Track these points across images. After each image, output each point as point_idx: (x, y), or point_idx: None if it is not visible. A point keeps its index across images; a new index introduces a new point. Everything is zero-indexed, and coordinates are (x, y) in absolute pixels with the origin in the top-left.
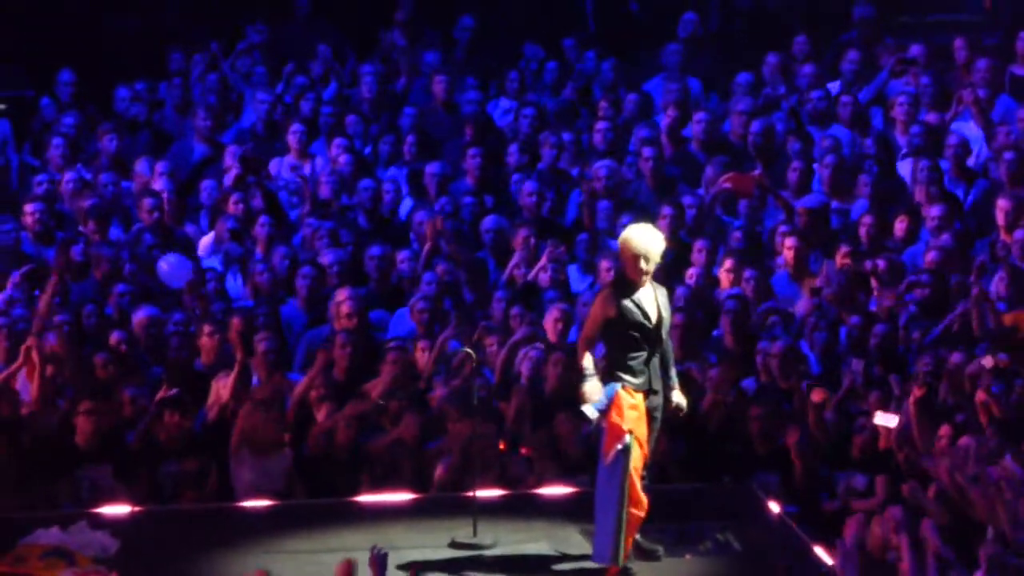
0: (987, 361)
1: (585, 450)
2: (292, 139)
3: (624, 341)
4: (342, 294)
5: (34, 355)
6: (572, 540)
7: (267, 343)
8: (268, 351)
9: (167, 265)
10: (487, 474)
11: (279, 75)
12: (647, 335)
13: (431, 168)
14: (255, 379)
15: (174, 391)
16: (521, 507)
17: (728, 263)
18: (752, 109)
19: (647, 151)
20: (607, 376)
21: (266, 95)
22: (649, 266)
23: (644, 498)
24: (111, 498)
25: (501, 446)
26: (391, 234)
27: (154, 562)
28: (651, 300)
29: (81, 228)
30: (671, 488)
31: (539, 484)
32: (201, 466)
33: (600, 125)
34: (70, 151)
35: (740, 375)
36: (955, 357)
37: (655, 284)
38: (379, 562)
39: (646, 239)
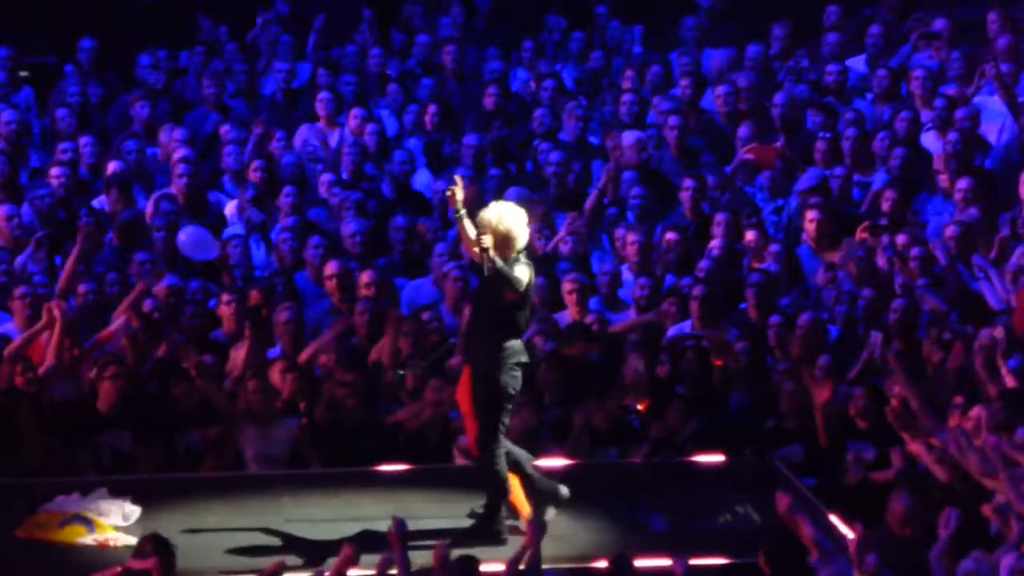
0: (999, 332)
1: (614, 426)
2: (319, 108)
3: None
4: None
5: (57, 321)
6: (588, 512)
7: (288, 312)
8: (289, 320)
9: (185, 236)
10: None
11: (304, 45)
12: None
13: (468, 139)
14: (278, 349)
15: (206, 357)
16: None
17: (751, 235)
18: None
19: (672, 120)
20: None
21: (285, 64)
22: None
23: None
24: (131, 464)
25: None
26: (412, 204)
27: (174, 529)
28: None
29: (104, 195)
30: (692, 462)
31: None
32: (221, 434)
33: (626, 97)
34: (86, 119)
35: (764, 349)
36: (967, 329)
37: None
38: (399, 531)
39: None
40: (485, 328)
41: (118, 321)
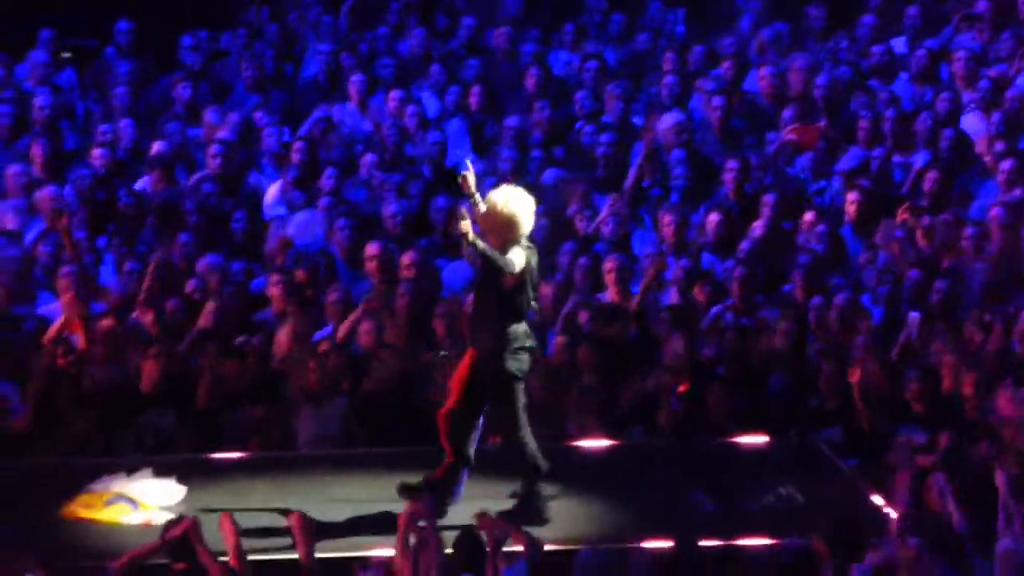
0: None
1: (639, 408)
2: (352, 89)
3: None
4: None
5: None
6: (628, 492)
7: (338, 292)
8: (338, 300)
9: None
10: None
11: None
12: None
13: (509, 121)
14: (328, 328)
15: (255, 337)
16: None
17: (809, 216)
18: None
19: (716, 101)
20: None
21: (327, 45)
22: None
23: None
24: (174, 444)
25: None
26: (453, 186)
27: (218, 509)
28: None
29: (146, 176)
30: (736, 442)
31: (585, 437)
32: (267, 414)
33: (667, 79)
34: (130, 100)
35: (807, 330)
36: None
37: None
38: (428, 510)
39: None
40: (487, 314)
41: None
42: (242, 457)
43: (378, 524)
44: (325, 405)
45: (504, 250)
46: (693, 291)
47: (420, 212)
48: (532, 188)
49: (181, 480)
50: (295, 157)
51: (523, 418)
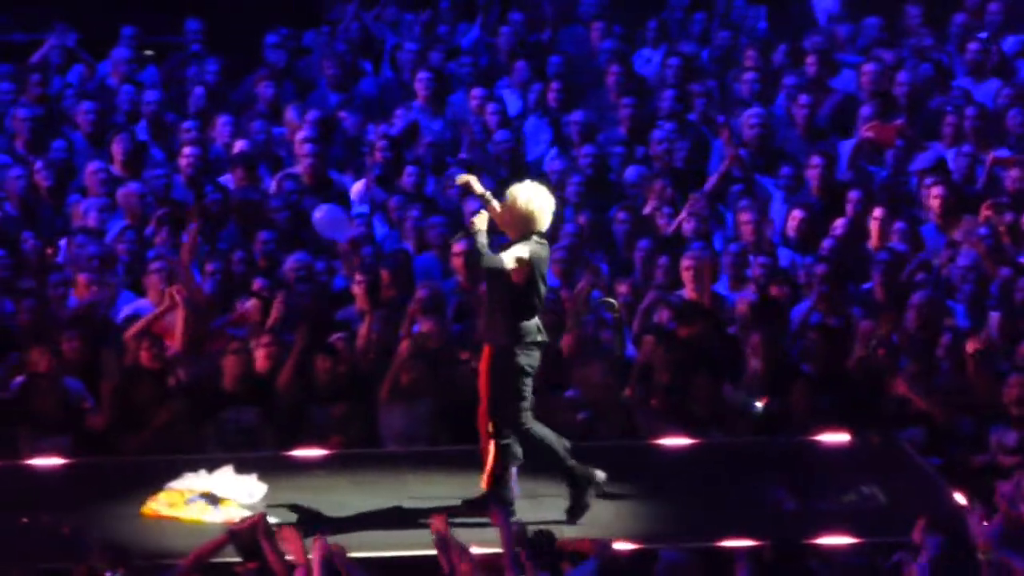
0: None
1: (715, 408)
2: (419, 87)
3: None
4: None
5: (179, 299)
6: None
7: (426, 290)
8: (426, 298)
9: (321, 214)
10: (613, 424)
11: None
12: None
13: (575, 116)
14: (416, 327)
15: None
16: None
17: (877, 212)
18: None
19: (802, 99)
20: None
21: (409, 43)
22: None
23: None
24: (257, 441)
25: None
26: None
27: (299, 506)
28: None
29: (229, 174)
30: (817, 441)
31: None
32: (349, 411)
33: (748, 76)
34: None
35: (890, 329)
36: None
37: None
38: (503, 515)
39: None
40: (498, 309)
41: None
42: (324, 454)
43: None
44: (412, 404)
45: (515, 244)
46: (771, 289)
47: None
48: (613, 185)
49: (262, 477)
50: (378, 156)
51: (527, 411)
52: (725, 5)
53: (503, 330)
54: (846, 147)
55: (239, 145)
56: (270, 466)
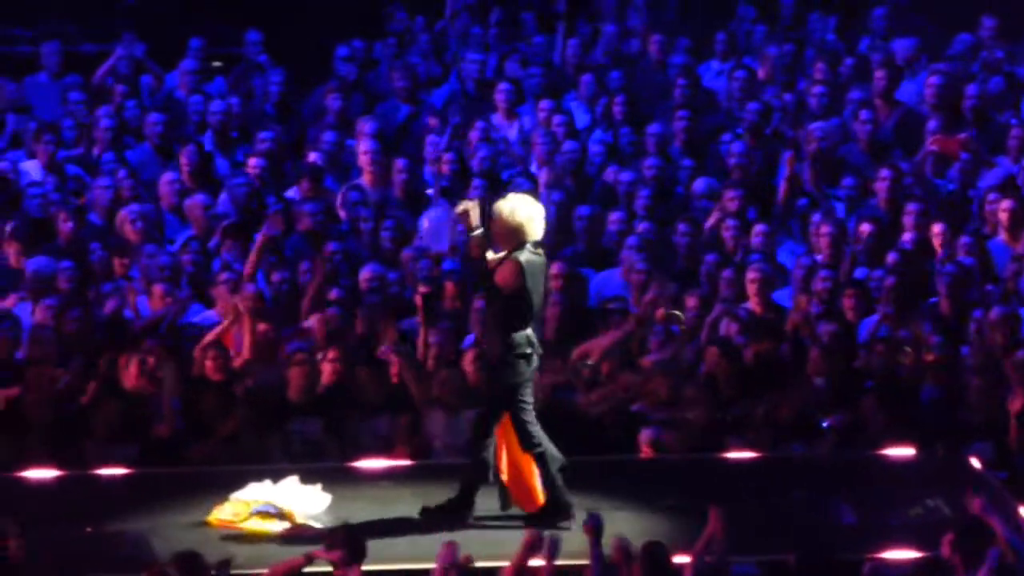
0: None
1: (799, 420)
2: (499, 98)
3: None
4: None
5: (244, 310)
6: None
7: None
8: (483, 309)
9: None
10: (681, 437)
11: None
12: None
13: (652, 128)
14: (471, 338)
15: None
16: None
17: (937, 228)
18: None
19: (863, 114)
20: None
21: (476, 55)
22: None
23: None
24: (321, 453)
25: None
26: (598, 195)
27: (363, 518)
28: None
29: (295, 186)
30: (883, 455)
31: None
32: (412, 421)
33: (816, 89)
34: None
35: (957, 343)
36: None
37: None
38: (594, 527)
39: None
40: (493, 320)
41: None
42: (387, 466)
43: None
44: (461, 414)
45: (508, 255)
46: (843, 302)
47: (563, 222)
48: (680, 198)
49: (327, 488)
50: (445, 168)
51: (493, 428)
52: (793, 17)
53: (496, 342)
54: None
55: (309, 156)
56: (334, 477)
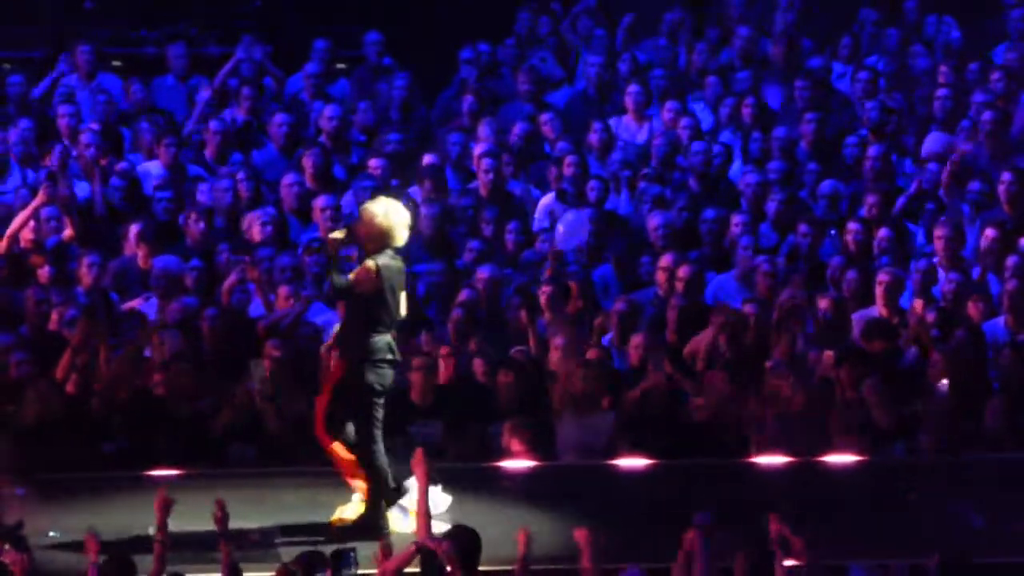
0: None
1: (897, 421)
2: (629, 100)
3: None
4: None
5: None
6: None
7: (623, 304)
8: (621, 312)
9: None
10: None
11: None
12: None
13: (778, 131)
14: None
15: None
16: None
17: None
18: None
19: (986, 115)
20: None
21: (597, 57)
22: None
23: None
24: (442, 454)
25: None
26: (722, 197)
27: (484, 518)
28: None
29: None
30: (1004, 458)
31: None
32: (535, 422)
33: (940, 92)
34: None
35: None
36: None
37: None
38: (702, 535)
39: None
40: (353, 325)
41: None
42: (508, 467)
43: (630, 537)
44: (593, 415)
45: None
46: (967, 307)
47: (689, 224)
48: (806, 200)
49: (447, 489)
50: (567, 170)
51: (378, 433)
52: (916, 20)
53: (355, 346)
54: None
55: (427, 159)
56: (456, 478)
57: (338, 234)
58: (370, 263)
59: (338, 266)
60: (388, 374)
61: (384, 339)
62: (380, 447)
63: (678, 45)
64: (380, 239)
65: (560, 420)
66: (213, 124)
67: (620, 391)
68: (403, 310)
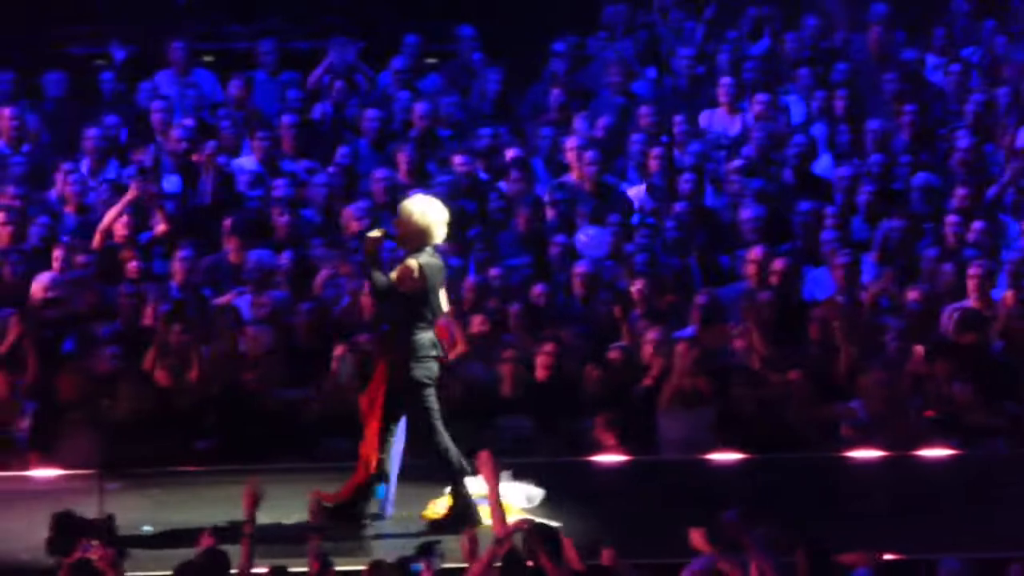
0: None
1: (985, 419)
2: (721, 93)
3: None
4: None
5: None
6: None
7: (705, 297)
8: (704, 305)
9: (586, 237)
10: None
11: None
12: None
13: (871, 124)
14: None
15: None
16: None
17: None
18: None
19: None
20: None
21: (688, 50)
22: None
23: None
24: (533, 450)
25: None
26: (815, 191)
27: (576, 512)
28: None
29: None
30: None
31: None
32: (624, 417)
33: None
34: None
35: None
36: None
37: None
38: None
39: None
40: (393, 321)
41: None
42: (603, 461)
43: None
44: (697, 410)
45: (408, 256)
46: None
47: (782, 217)
48: (900, 193)
49: (540, 483)
50: (653, 164)
51: (438, 424)
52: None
53: (397, 344)
54: None
55: (511, 152)
56: (548, 472)
57: (376, 233)
58: (412, 262)
59: (378, 265)
60: (434, 367)
61: (428, 335)
62: (444, 436)
63: (762, 37)
64: (418, 237)
65: (664, 415)
66: (301, 119)
67: (727, 387)
68: (444, 306)
